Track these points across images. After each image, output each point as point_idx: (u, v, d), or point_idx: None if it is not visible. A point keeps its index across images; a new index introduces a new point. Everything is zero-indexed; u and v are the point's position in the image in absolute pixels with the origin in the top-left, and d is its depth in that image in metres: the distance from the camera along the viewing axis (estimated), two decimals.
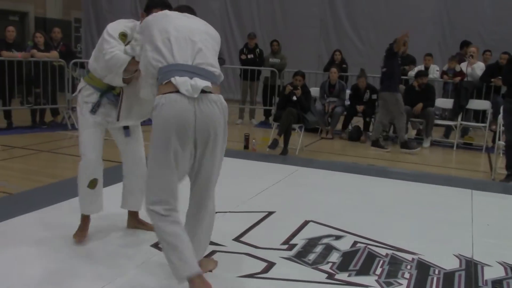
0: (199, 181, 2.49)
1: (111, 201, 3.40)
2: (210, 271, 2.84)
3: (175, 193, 2.42)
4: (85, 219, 3.27)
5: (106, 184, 3.41)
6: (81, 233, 3.22)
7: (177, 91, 2.29)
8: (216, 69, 2.45)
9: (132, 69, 2.92)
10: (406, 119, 7.45)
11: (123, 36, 2.97)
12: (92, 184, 3.21)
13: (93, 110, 3.10)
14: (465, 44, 9.15)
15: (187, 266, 2.34)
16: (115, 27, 3.00)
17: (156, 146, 2.36)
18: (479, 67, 8.16)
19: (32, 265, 2.82)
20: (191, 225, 2.56)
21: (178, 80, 2.29)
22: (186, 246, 2.36)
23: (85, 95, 3.12)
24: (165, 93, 2.31)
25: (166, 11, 2.61)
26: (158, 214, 2.38)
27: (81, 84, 3.17)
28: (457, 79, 8.32)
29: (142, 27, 2.61)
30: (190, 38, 2.42)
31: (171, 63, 2.35)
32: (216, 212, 3.64)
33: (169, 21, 2.47)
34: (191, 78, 2.31)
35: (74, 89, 8.37)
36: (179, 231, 2.39)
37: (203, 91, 2.31)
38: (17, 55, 7.63)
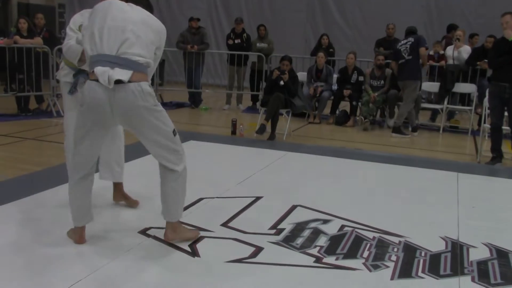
0: (151, 152, 2.88)
1: (96, 188, 3.37)
2: (189, 240, 3.04)
3: (86, 161, 2.82)
4: None
5: None
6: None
7: (96, 80, 2.59)
8: (142, 58, 2.66)
9: (84, 58, 3.08)
10: (412, 108, 7.51)
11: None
12: None
13: (71, 91, 3.39)
14: (452, 27, 9.16)
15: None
16: (76, 20, 3.38)
17: (76, 124, 2.78)
18: (465, 51, 8.18)
19: (19, 252, 2.80)
20: (161, 186, 2.92)
21: (98, 71, 2.58)
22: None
23: (62, 74, 3.49)
24: (90, 80, 2.66)
25: (113, 0, 2.77)
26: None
27: (61, 64, 3.55)
28: (442, 63, 8.36)
29: (90, 13, 2.81)
30: (122, 28, 2.64)
31: (99, 52, 2.64)
32: (204, 198, 3.63)
33: (110, 10, 2.70)
34: (112, 68, 2.58)
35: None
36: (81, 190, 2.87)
37: (118, 82, 2.56)
38: None
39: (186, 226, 3.12)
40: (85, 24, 2.98)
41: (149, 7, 2.97)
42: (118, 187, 3.67)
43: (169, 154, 2.84)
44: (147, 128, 2.74)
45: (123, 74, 2.58)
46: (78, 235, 2.95)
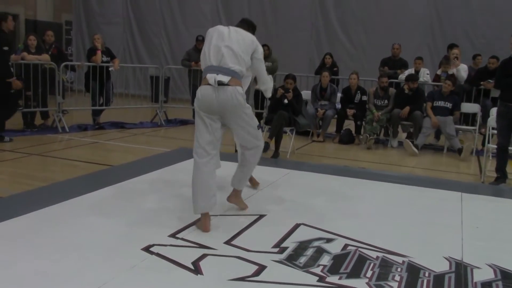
0: (237, 137, 3.92)
1: (100, 206, 3.39)
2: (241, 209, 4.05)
3: (209, 145, 3.57)
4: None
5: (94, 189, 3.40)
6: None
7: (208, 83, 3.50)
8: (236, 67, 3.53)
9: None
10: None
11: None
12: None
13: None
14: (452, 47, 9.21)
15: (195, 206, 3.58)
16: None
17: (196, 117, 3.62)
18: (463, 69, 8.22)
19: (22, 268, 2.80)
20: (239, 162, 4.04)
21: (208, 76, 3.51)
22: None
23: None
24: (203, 85, 3.57)
25: (219, 26, 3.72)
26: (201, 157, 3.57)
27: None
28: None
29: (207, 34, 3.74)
30: (219, 46, 3.54)
31: (207, 65, 3.57)
32: None
33: (213, 34, 3.63)
34: (217, 74, 3.48)
35: (64, 92, 8.36)
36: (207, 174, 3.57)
37: (221, 84, 3.45)
38: None
39: (242, 199, 4.14)
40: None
41: (250, 26, 3.93)
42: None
43: (251, 141, 3.80)
44: (240, 120, 3.65)
45: (224, 78, 3.47)
46: (203, 224, 3.57)
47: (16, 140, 7.00)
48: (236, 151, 6.77)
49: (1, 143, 6.71)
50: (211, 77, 3.48)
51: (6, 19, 6.87)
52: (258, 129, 3.82)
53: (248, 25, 3.91)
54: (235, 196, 4.11)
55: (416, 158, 7.28)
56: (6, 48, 6.67)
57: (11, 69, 6.89)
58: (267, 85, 4.11)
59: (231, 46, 3.54)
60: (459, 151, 7.31)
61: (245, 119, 3.68)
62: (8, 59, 6.85)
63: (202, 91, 3.56)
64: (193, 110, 9.42)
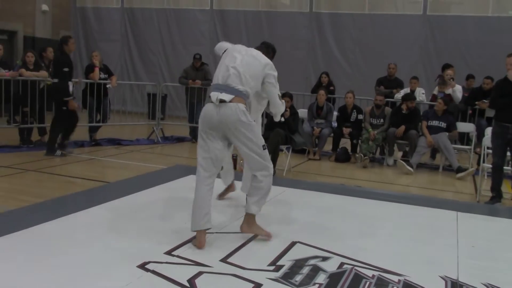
0: (243, 156, 3.80)
1: (96, 222, 3.38)
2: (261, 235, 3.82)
3: (206, 162, 3.63)
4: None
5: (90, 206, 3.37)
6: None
7: (211, 101, 3.63)
8: (242, 87, 3.60)
9: None
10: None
11: None
12: None
13: None
14: (446, 67, 9.30)
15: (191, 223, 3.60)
16: None
17: (198, 135, 3.72)
18: (458, 89, 8.31)
19: (15, 286, 2.79)
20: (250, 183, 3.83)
21: (212, 94, 3.63)
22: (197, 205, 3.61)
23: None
24: (206, 103, 3.71)
25: (238, 46, 3.87)
26: (198, 174, 3.66)
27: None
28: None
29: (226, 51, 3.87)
30: (228, 66, 3.65)
31: (215, 83, 3.70)
32: None
33: (231, 53, 3.76)
34: (220, 92, 3.58)
35: None
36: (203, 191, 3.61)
37: (222, 101, 3.54)
38: (4, 74, 7.62)
39: (259, 226, 3.86)
40: None
41: (270, 49, 4.07)
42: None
43: (256, 160, 3.68)
44: (241, 136, 3.62)
45: (226, 97, 3.55)
46: (198, 241, 3.57)
47: (12, 156, 7.00)
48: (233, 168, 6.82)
49: (52, 157, 7.08)
50: (214, 95, 3.60)
51: (67, 42, 7.19)
52: (264, 149, 3.69)
53: (267, 49, 4.03)
54: (246, 223, 3.82)
55: (412, 177, 7.30)
56: (66, 69, 7.13)
57: (70, 89, 7.29)
58: (277, 109, 4.11)
59: (238, 69, 3.62)
60: (458, 170, 7.33)
61: (248, 136, 3.61)
62: (68, 80, 7.21)
63: (204, 108, 3.69)
64: (190, 127, 9.49)
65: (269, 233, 3.84)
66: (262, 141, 3.72)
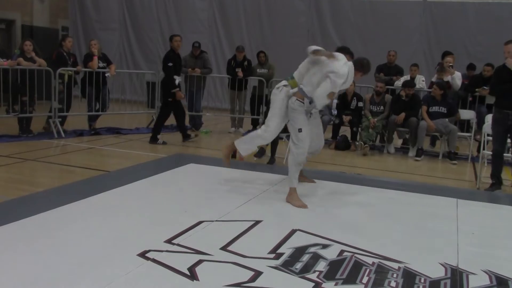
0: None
1: (96, 211, 3.37)
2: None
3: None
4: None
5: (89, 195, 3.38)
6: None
7: None
8: (301, 84, 4.67)
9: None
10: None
11: None
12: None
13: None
14: (446, 54, 9.26)
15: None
16: None
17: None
18: (457, 76, 8.28)
19: (16, 275, 2.79)
20: None
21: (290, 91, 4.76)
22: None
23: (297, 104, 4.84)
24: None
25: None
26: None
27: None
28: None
29: None
30: (300, 68, 4.98)
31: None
32: (203, 221, 3.66)
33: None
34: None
35: (60, 97, 8.33)
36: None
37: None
38: (2, 63, 7.58)
39: (295, 197, 4.56)
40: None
41: (346, 53, 5.13)
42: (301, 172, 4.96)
43: (293, 137, 4.68)
44: (290, 119, 4.71)
45: (292, 90, 4.71)
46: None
47: (12, 146, 6.99)
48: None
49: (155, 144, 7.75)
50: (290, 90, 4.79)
51: (172, 39, 8.01)
52: (300, 132, 4.56)
53: (346, 52, 5.16)
54: (288, 195, 4.63)
55: (412, 164, 7.29)
56: (170, 64, 7.83)
57: (176, 82, 7.91)
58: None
59: (303, 67, 5.01)
60: (452, 154, 7.38)
61: (291, 119, 4.67)
62: (173, 73, 7.87)
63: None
64: (189, 116, 9.45)
65: (305, 204, 4.48)
66: (300, 125, 4.63)
